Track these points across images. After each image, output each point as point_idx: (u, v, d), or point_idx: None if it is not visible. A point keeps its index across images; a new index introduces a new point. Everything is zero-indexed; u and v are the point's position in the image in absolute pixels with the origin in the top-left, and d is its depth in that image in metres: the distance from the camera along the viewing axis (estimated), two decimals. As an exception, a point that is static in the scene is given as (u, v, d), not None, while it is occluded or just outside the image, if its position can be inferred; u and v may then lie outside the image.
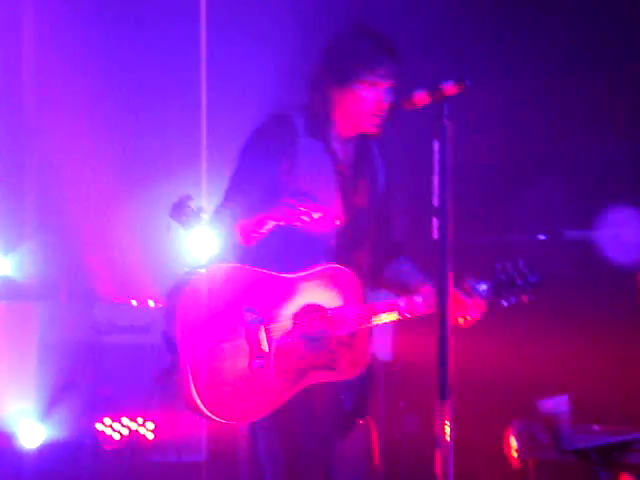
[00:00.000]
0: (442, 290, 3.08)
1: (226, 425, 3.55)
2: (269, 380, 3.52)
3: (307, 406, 3.61)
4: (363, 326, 3.61)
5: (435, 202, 3.13)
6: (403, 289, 3.74)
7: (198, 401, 3.47)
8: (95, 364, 6.11)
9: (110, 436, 6.12)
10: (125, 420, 6.16)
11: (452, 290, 3.19)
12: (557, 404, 4.33)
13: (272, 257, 3.64)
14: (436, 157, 3.12)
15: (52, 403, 6.00)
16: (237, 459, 5.78)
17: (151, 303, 6.51)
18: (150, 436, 6.20)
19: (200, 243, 5.01)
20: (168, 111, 6.85)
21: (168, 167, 6.99)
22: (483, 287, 3.68)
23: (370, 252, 3.80)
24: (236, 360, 3.52)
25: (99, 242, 6.83)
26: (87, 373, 6.08)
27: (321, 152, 3.69)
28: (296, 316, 3.56)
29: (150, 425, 6.19)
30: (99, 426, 6.09)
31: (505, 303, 3.70)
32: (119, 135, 6.89)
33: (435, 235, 3.12)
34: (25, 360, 6.05)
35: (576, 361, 6.43)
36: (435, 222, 3.12)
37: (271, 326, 3.54)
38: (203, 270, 3.58)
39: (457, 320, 3.63)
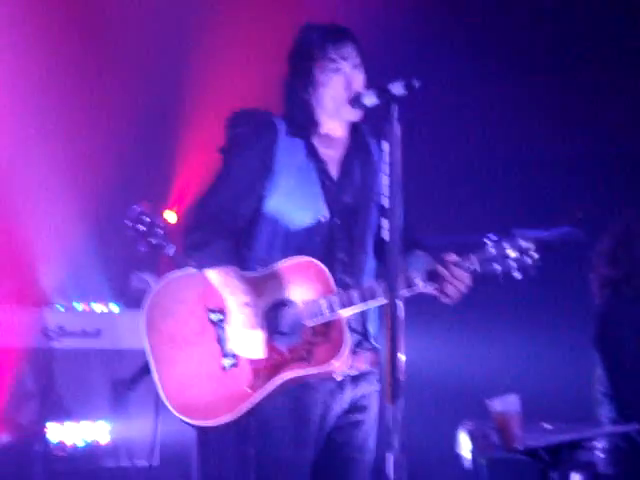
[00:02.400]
0: (392, 291, 3.08)
1: (194, 427, 3.55)
2: (242, 378, 3.50)
3: (290, 410, 3.54)
4: (336, 315, 3.49)
5: (385, 203, 3.13)
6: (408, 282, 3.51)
7: (169, 406, 3.50)
8: (46, 369, 6.05)
9: (62, 442, 6.07)
10: (77, 425, 6.11)
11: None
12: (507, 403, 4.34)
13: (255, 257, 3.62)
14: (385, 158, 3.13)
15: (4, 409, 5.94)
16: (189, 463, 5.78)
17: (100, 307, 6.48)
18: (103, 441, 6.15)
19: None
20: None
21: (120, 172, 6.98)
22: (469, 260, 3.49)
23: (370, 248, 3.70)
24: (206, 361, 3.52)
25: (47, 246, 6.78)
26: (38, 379, 6.03)
27: (301, 150, 3.65)
28: (264, 312, 3.54)
29: (103, 430, 6.15)
30: (50, 431, 6.03)
31: (500, 271, 3.52)
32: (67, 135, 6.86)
33: (385, 236, 3.12)
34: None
35: (527, 360, 6.48)
36: (386, 223, 3.12)
37: None
38: (164, 278, 3.62)
39: (446, 295, 3.50)
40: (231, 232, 3.61)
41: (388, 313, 3.07)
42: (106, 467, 6.12)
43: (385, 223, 3.13)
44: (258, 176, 3.62)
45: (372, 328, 3.65)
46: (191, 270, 3.60)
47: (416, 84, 3.16)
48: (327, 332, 3.52)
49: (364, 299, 3.50)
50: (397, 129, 3.13)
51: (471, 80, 6.87)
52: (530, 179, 6.86)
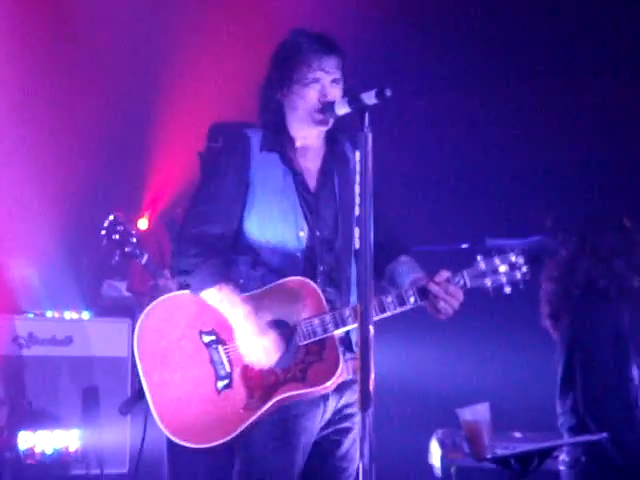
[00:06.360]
0: (364, 298, 3.08)
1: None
2: (237, 400, 3.47)
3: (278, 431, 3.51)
4: (329, 334, 3.49)
5: (356, 211, 3.13)
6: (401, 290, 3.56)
7: (165, 430, 3.45)
8: (16, 377, 6.02)
9: (32, 449, 6.03)
10: (48, 433, 6.08)
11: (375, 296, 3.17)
12: (477, 412, 4.35)
13: (240, 277, 3.58)
14: (357, 166, 3.13)
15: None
16: (160, 472, 5.76)
17: (71, 315, 6.45)
18: (73, 448, 6.13)
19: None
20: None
21: (91, 180, 6.97)
22: (461, 276, 3.51)
23: (355, 259, 3.65)
24: (200, 384, 3.49)
25: (18, 255, 6.75)
26: (8, 386, 6.00)
27: (277, 164, 3.63)
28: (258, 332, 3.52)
29: (73, 437, 6.13)
30: (21, 439, 6.00)
31: (490, 286, 3.50)
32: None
33: (356, 244, 3.11)
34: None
35: (497, 369, 6.50)
36: (356, 231, 3.12)
37: (231, 345, 3.52)
38: (155, 302, 3.57)
39: (439, 311, 3.51)
40: (218, 251, 3.58)
41: (359, 321, 3.07)
42: (76, 475, 6.09)
43: (356, 232, 3.13)
44: (235, 195, 3.59)
45: (354, 337, 3.60)
46: (181, 292, 3.57)
47: (388, 93, 3.15)
48: (321, 351, 3.50)
49: (356, 318, 3.49)
50: (368, 138, 3.13)
51: (445, 90, 6.90)
52: (503, 188, 6.88)
